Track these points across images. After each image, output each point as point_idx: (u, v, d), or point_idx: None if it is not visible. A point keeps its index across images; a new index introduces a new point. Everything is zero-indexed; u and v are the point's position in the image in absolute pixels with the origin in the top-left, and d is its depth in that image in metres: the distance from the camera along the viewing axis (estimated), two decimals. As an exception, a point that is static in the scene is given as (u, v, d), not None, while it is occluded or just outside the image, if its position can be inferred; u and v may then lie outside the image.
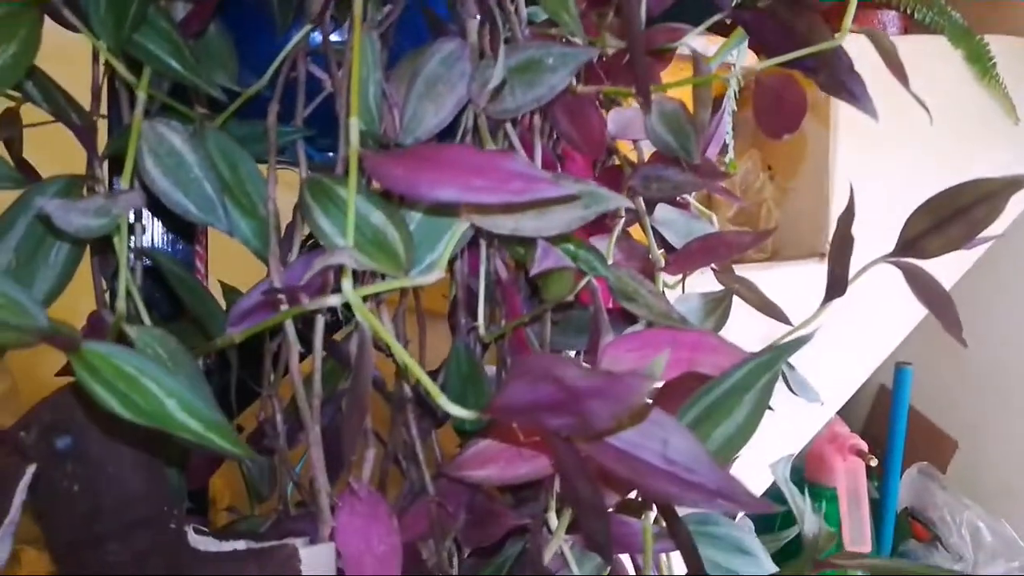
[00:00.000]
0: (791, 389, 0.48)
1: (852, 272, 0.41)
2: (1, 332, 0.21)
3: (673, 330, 0.38)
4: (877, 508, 1.34)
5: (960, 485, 1.44)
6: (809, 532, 0.31)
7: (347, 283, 0.29)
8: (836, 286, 0.41)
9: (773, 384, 0.33)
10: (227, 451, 0.24)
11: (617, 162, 0.49)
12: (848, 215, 0.41)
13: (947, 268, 1.02)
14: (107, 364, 0.23)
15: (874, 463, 1.23)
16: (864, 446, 1.24)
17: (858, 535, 1.22)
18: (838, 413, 1.31)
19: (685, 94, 0.43)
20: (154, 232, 0.48)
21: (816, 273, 0.99)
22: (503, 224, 0.33)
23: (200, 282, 0.42)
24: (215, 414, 0.24)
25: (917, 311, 1.10)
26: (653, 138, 0.39)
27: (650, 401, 0.27)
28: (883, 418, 1.38)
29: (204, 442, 0.24)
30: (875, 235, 0.41)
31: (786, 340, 0.34)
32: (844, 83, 0.36)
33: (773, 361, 0.33)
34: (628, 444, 0.25)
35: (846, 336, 0.99)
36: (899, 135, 1.02)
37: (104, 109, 0.41)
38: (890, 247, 0.40)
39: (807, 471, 1.27)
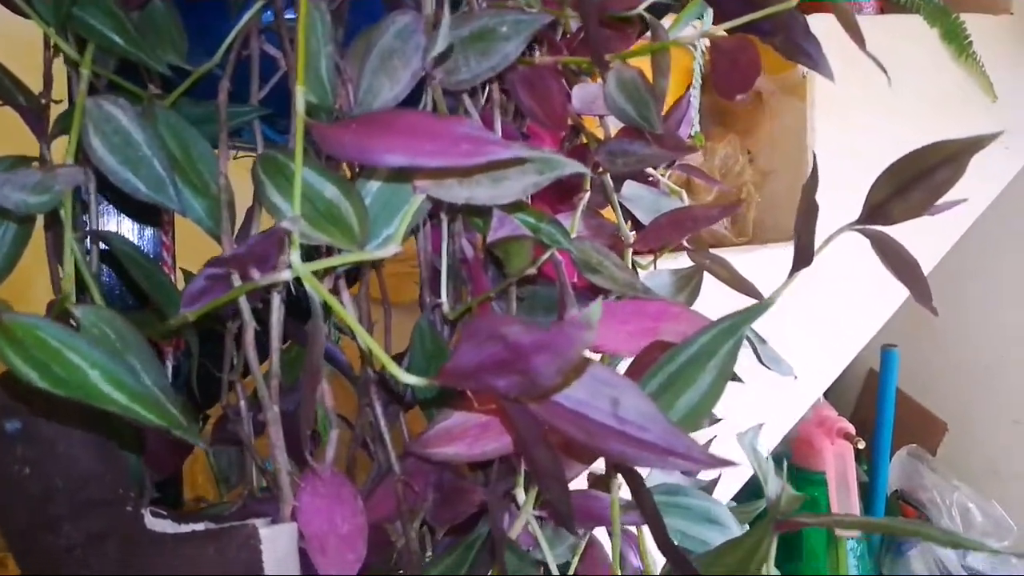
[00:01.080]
0: (762, 363, 0.48)
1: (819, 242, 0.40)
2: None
3: (637, 300, 0.38)
4: (867, 491, 1.34)
5: (950, 467, 1.44)
6: (772, 494, 0.31)
7: (295, 255, 0.29)
8: (802, 255, 0.41)
9: (736, 351, 0.33)
10: (151, 422, 0.23)
11: (584, 140, 0.48)
12: (812, 182, 0.40)
13: (928, 247, 1.02)
14: (30, 336, 0.23)
15: (862, 446, 1.23)
16: (852, 429, 1.24)
17: (848, 518, 1.22)
18: (826, 397, 1.31)
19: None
20: (120, 224, 0.48)
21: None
22: (458, 193, 0.33)
23: (157, 265, 0.41)
24: (142, 386, 0.24)
25: (901, 291, 1.10)
26: (611, 107, 0.38)
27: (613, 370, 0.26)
28: (872, 401, 1.38)
29: (129, 413, 0.23)
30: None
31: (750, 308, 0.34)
32: (800, 46, 0.36)
33: (736, 327, 0.33)
34: (578, 404, 0.25)
35: (829, 317, 0.99)
36: (876, 116, 1.02)
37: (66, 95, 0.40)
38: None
39: (795, 456, 1.26)
